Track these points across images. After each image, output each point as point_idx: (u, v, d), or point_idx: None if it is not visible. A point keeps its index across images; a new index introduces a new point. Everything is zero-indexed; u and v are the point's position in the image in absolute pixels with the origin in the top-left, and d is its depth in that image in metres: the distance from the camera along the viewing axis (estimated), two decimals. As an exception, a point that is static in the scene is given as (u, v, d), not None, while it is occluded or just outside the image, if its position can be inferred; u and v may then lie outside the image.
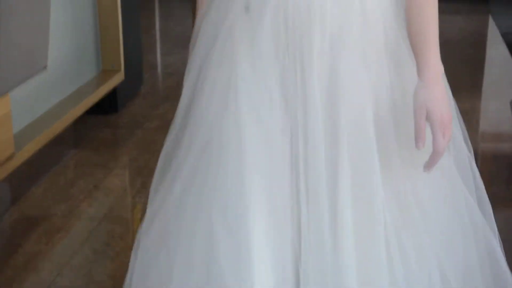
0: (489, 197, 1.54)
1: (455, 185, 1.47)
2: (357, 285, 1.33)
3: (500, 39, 5.84)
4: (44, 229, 2.83)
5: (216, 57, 1.43)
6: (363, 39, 1.36)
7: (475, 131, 3.94)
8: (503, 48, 5.64)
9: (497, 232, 1.52)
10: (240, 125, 1.37)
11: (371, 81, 1.37)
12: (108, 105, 4.13)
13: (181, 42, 4.92)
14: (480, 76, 5.29)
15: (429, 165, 1.36)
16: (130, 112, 4.30)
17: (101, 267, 2.62)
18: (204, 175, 1.40)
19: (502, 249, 1.51)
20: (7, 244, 2.81)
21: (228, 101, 1.39)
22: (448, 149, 1.40)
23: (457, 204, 1.47)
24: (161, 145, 1.55)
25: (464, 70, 5.12)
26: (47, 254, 2.68)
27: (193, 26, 1.57)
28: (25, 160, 3.11)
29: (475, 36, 6.12)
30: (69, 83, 3.83)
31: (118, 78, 4.15)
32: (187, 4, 6.39)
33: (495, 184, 3.31)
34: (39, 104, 3.51)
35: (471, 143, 1.53)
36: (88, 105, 3.85)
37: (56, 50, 3.30)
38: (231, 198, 1.35)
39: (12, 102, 3.00)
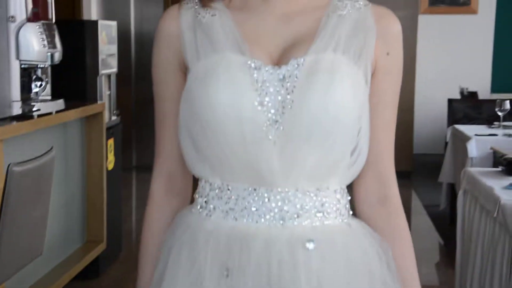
0: None
1: None
2: None
3: (423, 210, 5.87)
4: None
5: None
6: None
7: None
8: (426, 218, 5.66)
9: None
10: None
11: None
12: (90, 271, 4.02)
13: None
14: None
15: None
16: (110, 277, 4.19)
17: None
18: None
19: None
20: None
21: None
22: None
23: None
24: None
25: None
26: None
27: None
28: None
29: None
30: (57, 255, 3.74)
31: (100, 248, 4.08)
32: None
33: None
34: (29, 276, 3.38)
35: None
36: (73, 274, 3.74)
37: (48, 229, 3.27)
38: None
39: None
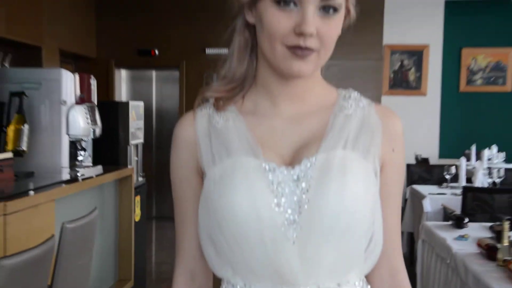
0: None
1: None
2: None
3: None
4: None
5: None
6: None
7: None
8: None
9: None
10: None
11: None
12: None
13: (172, 254, 4.59)
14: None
15: None
16: (136, 310, 4.11)
17: None
18: None
19: None
20: None
21: None
22: None
23: None
24: None
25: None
26: None
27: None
28: None
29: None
30: None
31: (129, 285, 4.00)
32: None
33: None
34: None
35: None
36: None
37: (88, 271, 3.26)
38: None
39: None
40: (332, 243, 0.90)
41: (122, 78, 7.13)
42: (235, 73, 1.01)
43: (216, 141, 0.98)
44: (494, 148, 5.86)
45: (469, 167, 4.99)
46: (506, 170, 4.68)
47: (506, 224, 2.46)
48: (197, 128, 1.01)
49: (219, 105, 1.01)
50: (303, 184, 0.91)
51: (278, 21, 0.90)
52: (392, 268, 1.02)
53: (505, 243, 2.43)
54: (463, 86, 7.58)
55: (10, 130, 3.18)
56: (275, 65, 0.95)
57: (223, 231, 0.91)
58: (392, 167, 1.01)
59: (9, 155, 3.05)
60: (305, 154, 0.94)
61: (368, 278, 1.01)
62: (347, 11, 0.96)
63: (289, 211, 0.90)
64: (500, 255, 2.34)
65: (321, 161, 0.92)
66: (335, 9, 0.91)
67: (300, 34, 0.89)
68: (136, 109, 4.35)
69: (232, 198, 0.90)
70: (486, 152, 5.26)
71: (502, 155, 5.77)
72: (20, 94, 3.23)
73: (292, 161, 0.95)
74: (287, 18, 0.90)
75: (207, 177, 0.96)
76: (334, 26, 0.92)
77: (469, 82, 7.56)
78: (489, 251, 2.45)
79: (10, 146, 3.17)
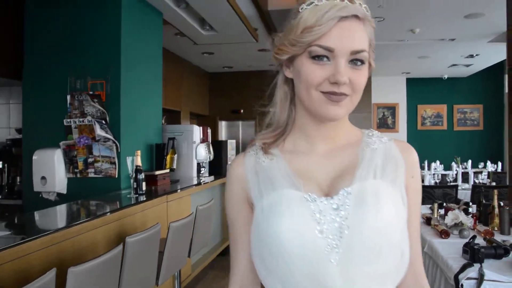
0: None
1: None
2: None
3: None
4: None
5: None
6: None
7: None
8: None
9: None
10: None
11: None
12: (224, 252, 3.94)
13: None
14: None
15: None
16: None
17: None
18: None
19: None
20: None
21: None
22: None
23: None
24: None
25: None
26: None
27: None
28: None
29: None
30: (212, 242, 3.74)
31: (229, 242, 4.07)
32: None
33: None
34: (202, 251, 3.36)
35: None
36: (217, 253, 3.74)
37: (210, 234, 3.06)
38: None
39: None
40: (370, 262, 0.63)
41: (223, 126, 7.14)
42: (279, 121, 0.76)
43: (263, 177, 0.72)
44: (437, 162, 5.73)
45: (423, 173, 4.96)
46: (442, 175, 4.60)
47: (436, 205, 2.56)
48: (246, 167, 0.74)
49: (266, 148, 0.75)
50: (342, 212, 0.65)
51: (313, 72, 0.67)
52: (415, 274, 0.72)
53: (435, 215, 2.52)
54: (419, 126, 7.69)
55: (168, 157, 3.37)
56: (313, 110, 0.69)
57: (272, 254, 0.65)
58: (412, 192, 0.72)
59: (167, 170, 3.27)
60: (341, 185, 0.67)
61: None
62: (369, 64, 0.70)
63: (331, 236, 0.64)
64: (432, 222, 2.39)
65: (356, 191, 0.66)
66: (362, 62, 0.67)
67: (335, 83, 0.66)
68: (231, 144, 4.38)
69: (279, 226, 0.64)
70: (432, 165, 5.19)
71: (441, 166, 5.64)
72: (173, 139, 3.45)
73: (329, 191, 0.68)
74: (321, 70, 0.66)
75: (256, 207, 0.70)
76: (362, 75, 0.68)
77: (422, 124, 7.66)
78: (427, 220, 2.50)
79: (168, 166, 3.37)
